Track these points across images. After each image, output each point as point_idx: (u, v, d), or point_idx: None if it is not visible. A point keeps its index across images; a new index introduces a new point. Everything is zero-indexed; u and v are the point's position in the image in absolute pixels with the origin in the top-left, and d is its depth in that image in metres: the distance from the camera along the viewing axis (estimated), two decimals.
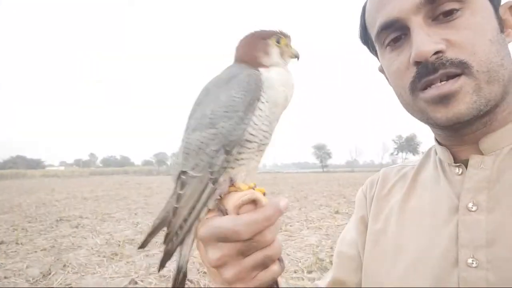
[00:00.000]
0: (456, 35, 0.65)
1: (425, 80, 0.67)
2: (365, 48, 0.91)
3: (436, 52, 0.65)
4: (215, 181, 0.61)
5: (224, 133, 0.60)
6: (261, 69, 0.65)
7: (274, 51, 0.66)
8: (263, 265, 0.59)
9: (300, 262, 5.37)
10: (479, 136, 0.71)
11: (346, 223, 1.04)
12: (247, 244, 0.57)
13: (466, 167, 0.72)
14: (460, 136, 0.73)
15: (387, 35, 0.74)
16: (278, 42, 0.67)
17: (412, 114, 0.77)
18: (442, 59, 0.65)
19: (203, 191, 0.61)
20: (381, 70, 0.86)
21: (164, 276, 4.75)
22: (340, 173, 63.00)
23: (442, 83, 0.66)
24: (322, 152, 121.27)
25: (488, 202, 0.66)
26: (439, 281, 0.66)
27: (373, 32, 0.78)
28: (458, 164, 0.74)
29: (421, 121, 0.76)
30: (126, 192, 20.53)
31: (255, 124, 0.61)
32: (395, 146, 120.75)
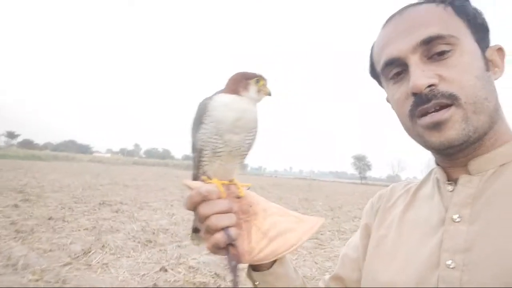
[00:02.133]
0: (447, 72, 0.76)
1: (421, 109, 0.78)
2: None
3: (430, 85, 0.76)
4: (197, 173, 0.90)
5: (191, 143, 0.90)
6: (234, 96, 0.85)
7: (252, 88, 0.87)
8: (210, 232, 0.80)
9: (328, 271, 5.28)
10: (469, 159, 0.82)
11: None
12: (197, 215, 0.81)
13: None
14: (453, 159, 0.84)
15: (390, 70, 0.86)
16: (257, 82, 0.87)
17: (413, 138, 0.87)
18: (434, 91, 0.76)
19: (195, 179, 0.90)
20: (388, 100, 0.96)
21: (193, 268, 4.91)
22: (379, 187, 60.66)
23: (436, 112, 0.77)
24: (361, 163, 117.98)
25: (471, 215, 0.76)
26: (422, 279, 0.77)
27: (379, 68, 0.91)
28: (450, 182, 0.85)
29: (420, 144, 0.86)
30: (164, 183, 21.38)
31: (202, 138, 0.85)
32: None
